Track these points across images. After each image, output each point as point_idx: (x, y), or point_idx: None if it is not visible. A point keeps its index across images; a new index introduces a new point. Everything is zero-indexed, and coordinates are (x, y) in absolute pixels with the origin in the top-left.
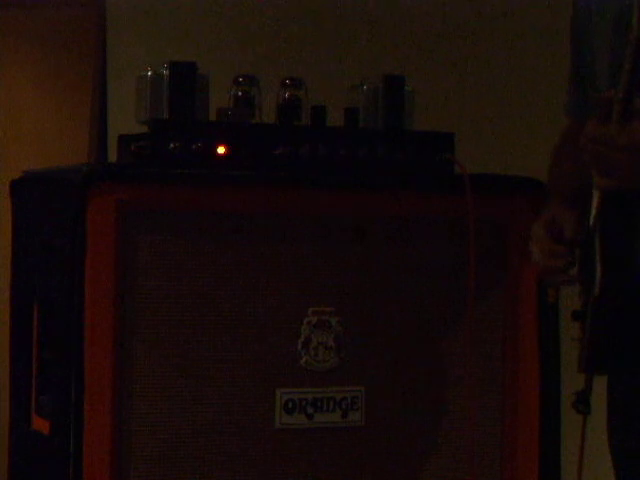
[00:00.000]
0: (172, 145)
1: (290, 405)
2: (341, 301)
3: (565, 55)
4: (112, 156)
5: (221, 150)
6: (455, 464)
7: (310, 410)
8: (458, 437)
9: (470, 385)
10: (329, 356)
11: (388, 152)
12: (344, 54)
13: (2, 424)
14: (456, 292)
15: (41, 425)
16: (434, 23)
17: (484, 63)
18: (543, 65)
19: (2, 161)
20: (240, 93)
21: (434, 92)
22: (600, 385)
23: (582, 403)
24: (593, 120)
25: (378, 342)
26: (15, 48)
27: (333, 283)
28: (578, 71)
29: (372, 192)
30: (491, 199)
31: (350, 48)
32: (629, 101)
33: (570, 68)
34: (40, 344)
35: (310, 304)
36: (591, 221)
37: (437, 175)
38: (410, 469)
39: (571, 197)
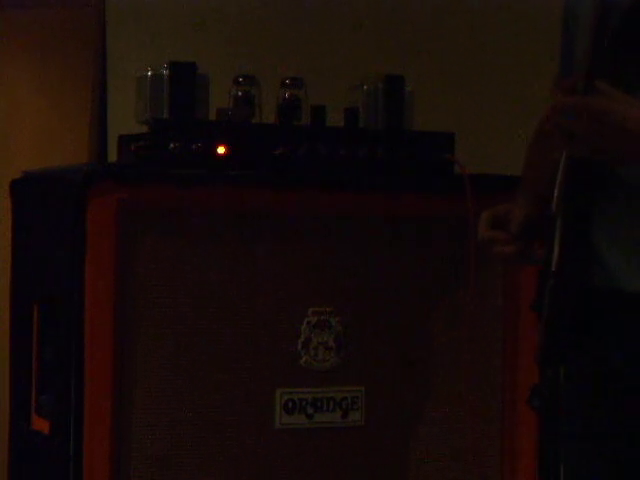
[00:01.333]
0: (172, 145)
1: (290, 405)
2: (341, 301)
3: None
4: (112, 156)
5: (221, 150)
6: (455, 464)
7: (310, 410)
8: (458, 437)
9: (470, 384)
10: (329, 356)
11: (388, 152)
12: (344, 54)
13: (2, 424)
14: (456, 292)
15: (41, 425)
16: (434, 23)
17: (484, 63)
18: (544, 65)
19: (2, 161)
20: (240, 93)
21: (434, 92)
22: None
23: (537, 398)
24: (558, 93)
25: (378, 342)
26: (15, 48)
27: (333, 283)
28: (563, 55)
29: (372, 192)
30: (491, 199)
31: (350, 48)
32: (591, 76)
33: (559, 55)
34: (40, 344)
35: (310, 304)
36: (553, 207)
37: (437, 175)
38: (410, 469)
39: (530, 192)
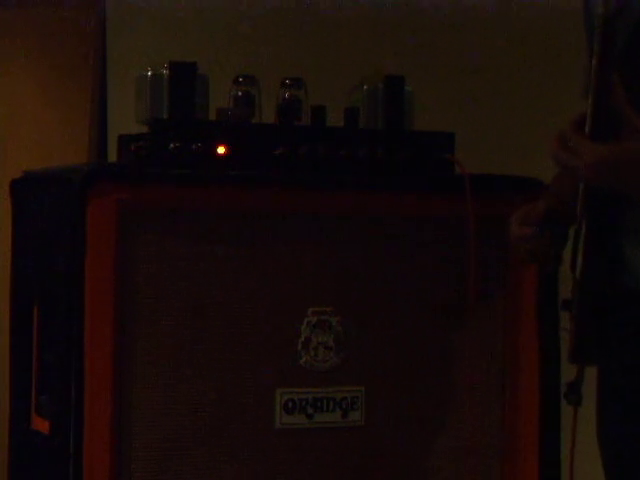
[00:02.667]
0: (172, 145)
1: (290, 405)
2: (341, 301)
3: (565, 55)
4: (112, 156)
5: (221, 150)
6: (455, 464)
7: (310, 410)
8: (458, 437)
9: (470, 384)
10: (329, 356)
11: (388, 152)
12: (344, 54)
13: (2, 424)
14: (456, 292)
15: (41, 425)
16: (434, 23)
17: (484, 63)
18: (543, 65)
19: (2, 161)
20: (240, 93)
21: (434, 92)
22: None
23: (573, 394)
24: (569, 126)
25: (378, 342)
26: (15, 48)
27: (333, 283)
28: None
29: (372, 192)
30: (491, 199)
31: (350, 48)
32: (597, 119)
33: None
34: (40, 344)
35: (310, 304)
36: (577, 213)
37: (437, 175)
38: (410, 469)
39: (554, 192)
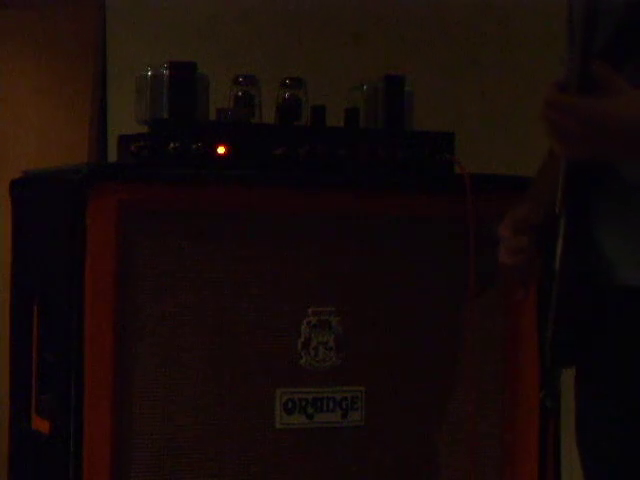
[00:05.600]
0: (172, 145)
1: (290, 405)
2: (341, 301)
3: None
4: (112, 156)
5: (221, 150)
6: (455, 464)
7: (310, 410)
8: (458, 437)
9: (470, 385)
10: (329, 356)
11: (388, 152)
12: (344, 54)
13: (2, 424)
14: (456, 292)
15: (41, 425)
16: (434, 23)
17: (484, 63)
18: (543, 65)
19: (2, 161)
20: (240, 93)
21: (434, 92)
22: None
23: (550, 398)
24: (553, 86)
25: (378, 342)
26: (15, 48)
27: (333, 283)
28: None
29: (372, 192)
30: (491, 199)
31: (350, 48)
32: (585, 71)
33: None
34: (40, 344)
35: (310, 304)
36: (557, 208)
37: (437, 175)
38: (410, 469)
39: (538, 197)
